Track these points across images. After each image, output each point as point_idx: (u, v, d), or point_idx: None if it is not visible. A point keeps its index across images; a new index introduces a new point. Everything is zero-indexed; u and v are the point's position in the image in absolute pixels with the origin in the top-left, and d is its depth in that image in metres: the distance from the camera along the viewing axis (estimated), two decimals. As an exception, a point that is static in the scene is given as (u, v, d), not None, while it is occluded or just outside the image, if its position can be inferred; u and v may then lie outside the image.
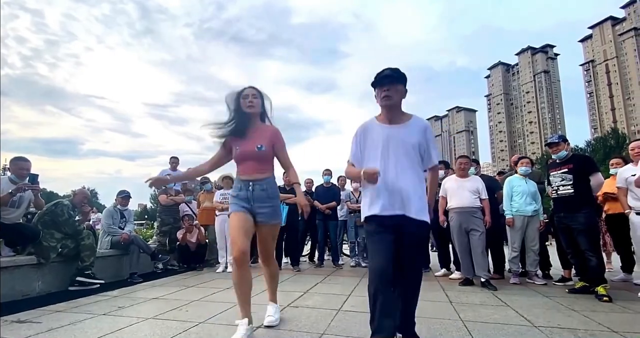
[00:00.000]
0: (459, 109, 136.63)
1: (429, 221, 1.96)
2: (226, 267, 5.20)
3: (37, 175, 3.62)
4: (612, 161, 4.61)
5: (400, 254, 1.91)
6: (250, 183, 2.29)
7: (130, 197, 5.16)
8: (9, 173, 3.68)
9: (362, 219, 2.03)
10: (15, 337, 2.16)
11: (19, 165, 3.61)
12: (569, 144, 3.85)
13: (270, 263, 2.47)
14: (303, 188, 6.22)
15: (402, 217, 1.89)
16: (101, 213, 7.94)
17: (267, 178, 2.34)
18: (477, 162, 5.14)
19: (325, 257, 6.35)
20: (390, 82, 1.95)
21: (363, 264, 5.89)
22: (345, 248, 7.34)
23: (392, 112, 2.00)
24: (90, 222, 7.60)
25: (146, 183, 2.38)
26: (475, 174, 4.70)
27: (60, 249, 3.76)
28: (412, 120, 2.01)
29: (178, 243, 5.46)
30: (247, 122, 2.38)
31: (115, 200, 5.08)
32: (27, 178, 3.55)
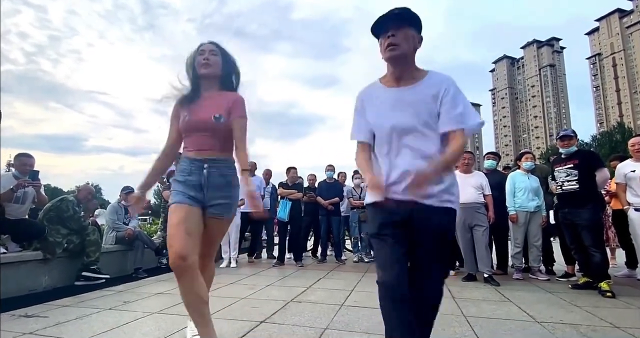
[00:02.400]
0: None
1: (454, 207, 1.44)
2: (229, 263, 5.24)
3: (38, 171, 3.65)
4: (612, 163, 4.62)
5: (412, 258, 1.44)
6: (205, 165, 1.73)
7: (134, 193, 5.20)
8: (13, 170, 3.72)
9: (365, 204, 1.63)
10: (23, 331, 2.19)
11: (22, 161, 3.64)
12: (578, 139, 3.83)
13: (208, 266, 1.89)
14: (306, 183, 6.26)
15: (412, 204, 1.39)
16: (103, 209, 8.01)
17: (228, 159, 1.80)
18: (498, 155, 5.19)
19: (328, 253, 6.38)
20: (396, 26, 1.42)
21: (366, 259, 5.90)
22: (348, 244, 7.37)
23: (401, 68, 1.47)
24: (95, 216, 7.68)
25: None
26: (496, 168, 4.81)
27: (65, 245, 3.80)
28: (428, 77, 1.47)
29: (182, 238, 5.50)
30: (200, 84, 1.84)
31: (120, 196, 5.13)
32: (28, 175, 3.58)
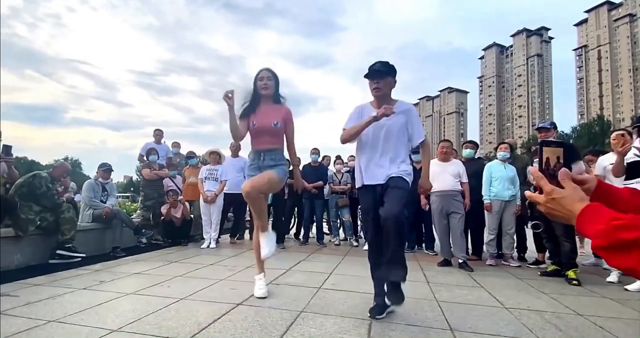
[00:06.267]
0: (450, 90, 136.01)
1: (406, 178, 2.19)
2: (210, 243, 5.23)
3: (11, 146, 3.52)
4: (586, 157, 4.75)
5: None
6: (262, 153, 2.65)
7: (112, 170, 5.06)
8: None
9: (357, 187, 2.40)
10: (-9, 311, 2.14)
11: (-8, 136, 3.48)
12: (557, 131, 3.91)
13: (261, 222, 2.72)
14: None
15: (382, 185, 2.21)
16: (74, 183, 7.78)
17: (277, 150, 2.71)
18: (476, 144, 5.23)
19: (311, 235, 6.43)
20: (380, 77, 2.23)
21: (355, 244, 5.90)
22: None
23: (382, 101, 2.29)
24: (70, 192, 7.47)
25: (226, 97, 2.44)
26: (474, 157, 4.86)
27: (38, 222, 3.69)
28: (397, 105, 2.26)
29: (162, 218, 5.44)
30: (260, 102, 2.70)
31: (97, 173, 4.98)
32: (1, 150, 3.43)
